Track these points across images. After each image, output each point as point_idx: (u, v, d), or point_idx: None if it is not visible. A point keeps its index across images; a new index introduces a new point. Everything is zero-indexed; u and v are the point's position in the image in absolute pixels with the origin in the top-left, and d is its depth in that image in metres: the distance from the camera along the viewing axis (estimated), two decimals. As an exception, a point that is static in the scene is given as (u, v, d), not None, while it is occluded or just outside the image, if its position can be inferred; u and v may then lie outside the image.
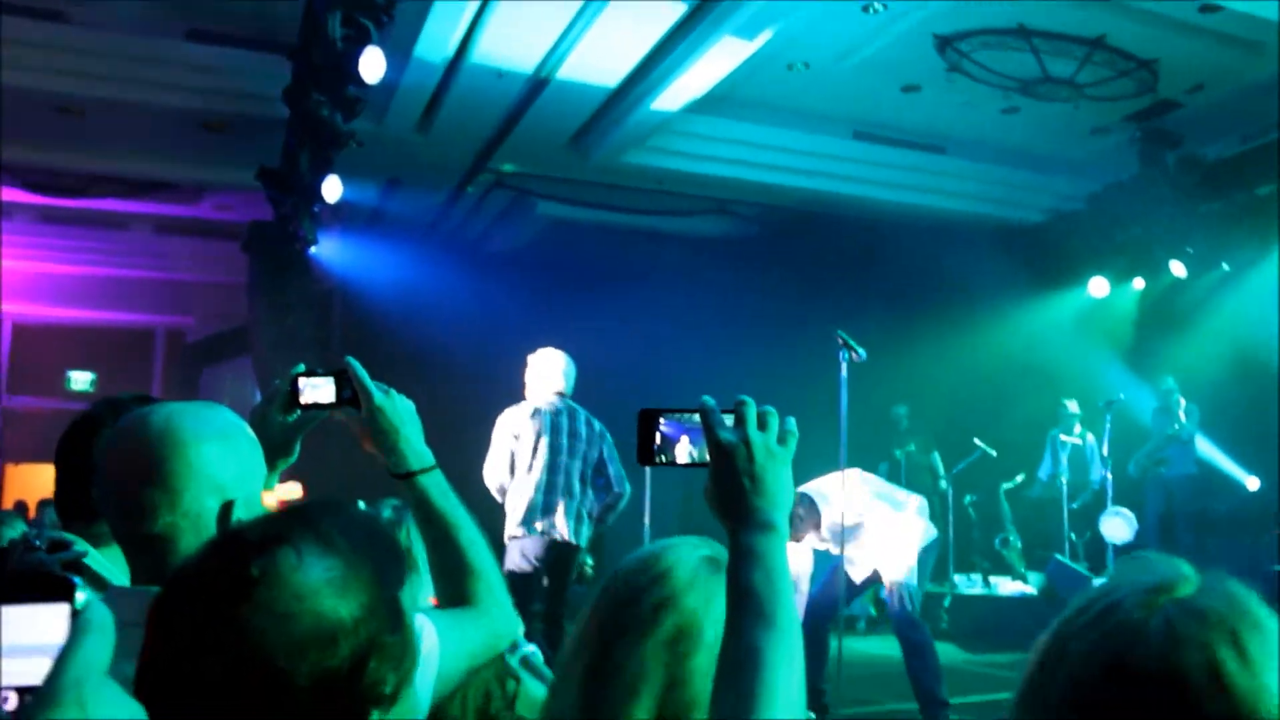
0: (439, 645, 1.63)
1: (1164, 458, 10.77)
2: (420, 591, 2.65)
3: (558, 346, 10.83)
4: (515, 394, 7.52)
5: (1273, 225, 10.25)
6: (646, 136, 9.51)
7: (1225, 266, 10.67)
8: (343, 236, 11.41)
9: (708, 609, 1.45)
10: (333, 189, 8.87)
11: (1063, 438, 11.01)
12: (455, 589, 1.80)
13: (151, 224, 13.13)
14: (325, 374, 1.87)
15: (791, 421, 1.44)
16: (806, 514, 5.83)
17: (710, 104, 9.05)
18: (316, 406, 1.87)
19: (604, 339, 11.38)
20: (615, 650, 1.44)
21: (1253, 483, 11.23)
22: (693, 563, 1.50)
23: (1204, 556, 10.93)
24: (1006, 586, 9.96)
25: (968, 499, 10.98)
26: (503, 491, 6.39)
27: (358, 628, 1.01)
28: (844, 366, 5.66)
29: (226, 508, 1.57)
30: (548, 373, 6.65)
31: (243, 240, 11.98)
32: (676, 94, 8.66)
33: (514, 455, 6.38)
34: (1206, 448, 10.87)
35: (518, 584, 6.10)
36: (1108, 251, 11.35)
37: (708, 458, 1.43)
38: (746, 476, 1.37)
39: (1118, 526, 10.12)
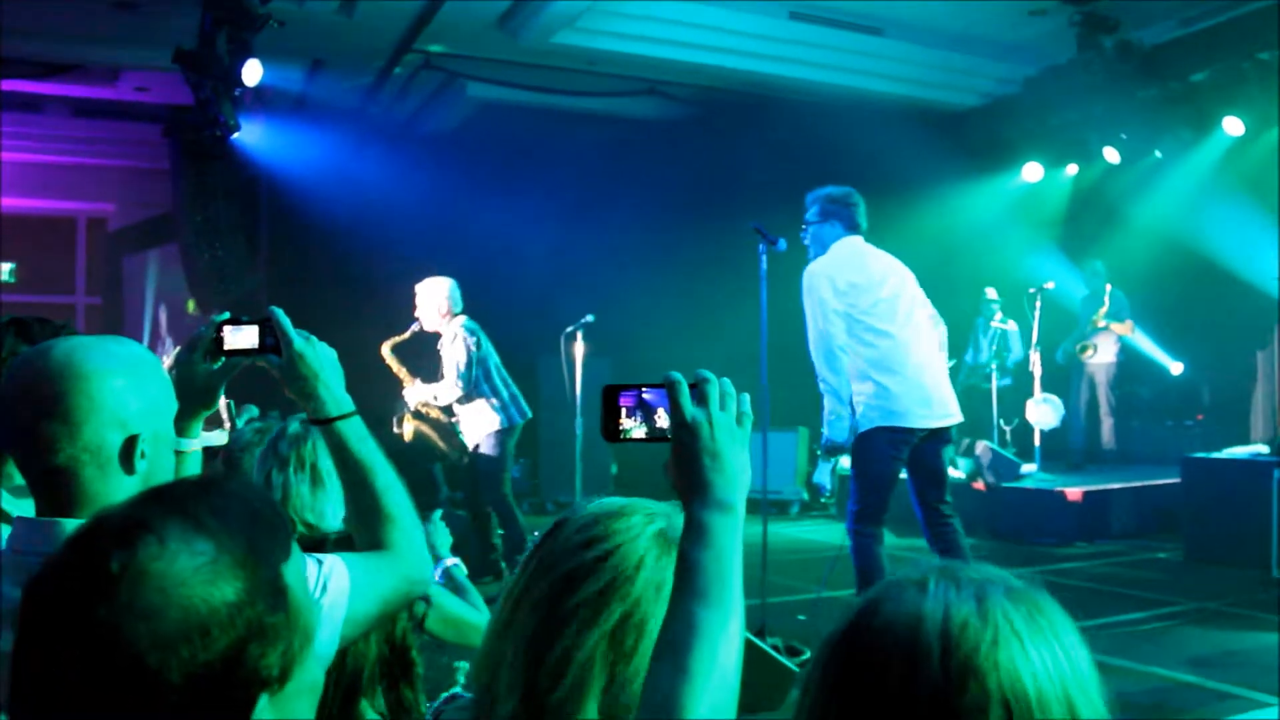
0: (350, 588, 1.64)
1: (1089, 345, 10.90)
2: (329, 507, 2.63)
3: (488, 231, 10.84)
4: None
5: (1206, 112, 10.25)
6: (577, 16, 9.25)
7: (1158, 154, 10.68)
8: (267, 121, 11.08)
9: (656, 599, 1.40)
10: (253, 73, 8.54)
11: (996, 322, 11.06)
12: (371, 534, 1.81)
13: (68, 106, 12.65)
14: (249, 321, 1.90)
15: (746, 401, 1.45)
16: None
17: (643, -18, 8.83)
18: (239, 353, 1.90)
19: (536, 222, 11.25)
20: (560, 638, 1.38)
21: (1176, 368, 11.44)
22: (644, 540, 1.46)
23: (1128, 439, 11.20)
24: (936, 471, 10.09)
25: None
26: (465, 399, 7.36)
27: (233, 615, 0.96)
28: (763, 260, 5.60)
29: (130, 442, 1.57)
30: (444, 299, 7.46)
31: (164, 125, 11.61)
32: (608, -29, 8.43)
33: (474, 371, 7.31)
34: (1133, 333, 11.01)
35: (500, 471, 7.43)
36: (1042, 136, 11.32)
37: (669, 433, 1.43)
38: (708, 454, 1.38)
39: (1045, 413, 10.28)
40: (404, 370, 7.50)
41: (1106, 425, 10.84)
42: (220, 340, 1.89)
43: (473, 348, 7.30)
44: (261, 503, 1.07)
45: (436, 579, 2.86)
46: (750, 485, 1.40)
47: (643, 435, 1.48)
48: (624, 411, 1.48)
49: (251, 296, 11.77)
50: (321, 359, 1.85)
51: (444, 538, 2.97)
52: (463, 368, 7.28)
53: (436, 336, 7.50)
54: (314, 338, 1.88)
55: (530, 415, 7.66)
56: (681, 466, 1.39)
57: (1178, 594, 6.84)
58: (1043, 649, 0.96)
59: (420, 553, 1.84)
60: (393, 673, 2.25)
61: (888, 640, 0.96)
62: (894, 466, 5.40)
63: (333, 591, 1.62)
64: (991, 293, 10.96)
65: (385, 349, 7.44)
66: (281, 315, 1.86)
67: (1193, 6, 9.66)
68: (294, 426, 2.75)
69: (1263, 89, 9.66)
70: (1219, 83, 10.10)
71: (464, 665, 2.70)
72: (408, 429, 7.92)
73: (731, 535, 1.34)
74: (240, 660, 0.96)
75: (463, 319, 7.44)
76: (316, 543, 2.37)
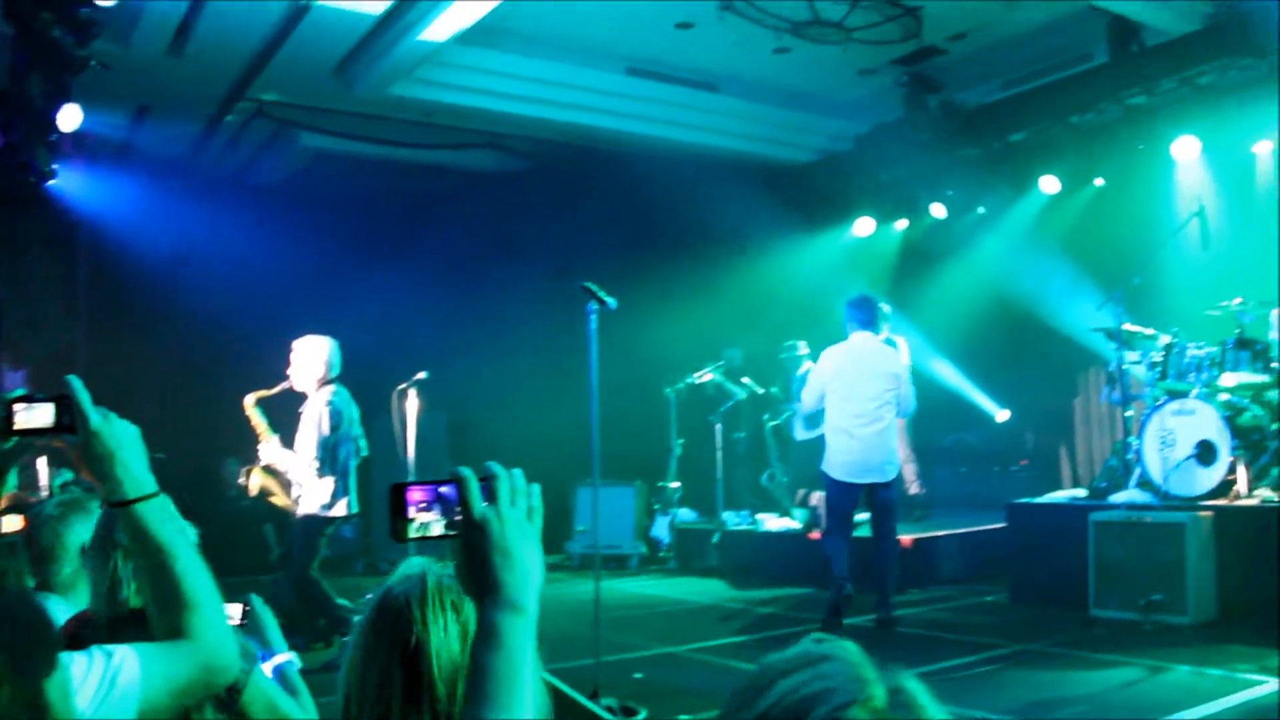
0: (140, 679, 1.57)
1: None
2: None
3: (319, 284, 10.48)
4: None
5: (1025, 171, 10.76)
6: (414, 68, 9.19)
7: (981, 210, 11.13)
8: (87, 168, 10.64)
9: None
10: (70, 118, 8.10)
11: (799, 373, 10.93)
12: (170, 621, 1.71)
13: None
14: (44, 399, 1.76)
15: (537, 494, 1.42)
16: None
17: (480, 35, 8.81)
18: (32, 433, 1.77)
19: (369, 275, 11.06)
20: None
21: (1002, 415, 11.84)
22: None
23: (957, 485, 11.52)
24: (772, 523, 10.19)
25: (736, 435, 11.17)
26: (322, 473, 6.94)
27: None
28: (593, 318, 5.61)
29: None
30: (322, 363, 7.09)
31: (-29, 169, 11.05)
32: (445, 24, 8.37)
33: (335, 445, 6.96)
34: (951, 375, 11.36)
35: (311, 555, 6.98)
36: (873, 192, 11.70)
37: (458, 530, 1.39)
38: (499, 553, 1.34)
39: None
40: (264, 425, 7.15)
41: (908, 471, 11.00)
42: (10, 419, 1.75)
43: (328, 430, 6.92)
44: (30, 613, 1.01)
45: (269, 674, 2.58)
46: (542, 582, 1.37)
47: (431, 534, 1.41)
48: (412, 508, 1.41)
49: (69, 349, 11.25)
50: (119, 438, 1.75)
51: (270, 624, 2.60)
52: (315, 446, 6.90)
53: (303, 397, 7.12)
54: (113, 415, 1.77)
55: (356, 511, 7.23)
56: (472, 566, 1.36)
57: (1003, 637, 7.01)
58: None
59: (223, 641, 1.75)
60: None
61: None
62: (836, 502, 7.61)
63: (121, 685, 1.54)
64: (802, 347, 10.63)
65: (249, 401, 7.11)
66: (79, 390, 1.75)
67: (1012, 71, 10.15)
68: (49, 508, 2.56)
69: (1076, 150, 10.20)
70: (1036, 143, 10.62)
71: None
72: (254, 481, 7.68)
73: (523, 637, 1.32)
74: None
75: (332, 390, 7.04)
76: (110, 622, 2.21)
